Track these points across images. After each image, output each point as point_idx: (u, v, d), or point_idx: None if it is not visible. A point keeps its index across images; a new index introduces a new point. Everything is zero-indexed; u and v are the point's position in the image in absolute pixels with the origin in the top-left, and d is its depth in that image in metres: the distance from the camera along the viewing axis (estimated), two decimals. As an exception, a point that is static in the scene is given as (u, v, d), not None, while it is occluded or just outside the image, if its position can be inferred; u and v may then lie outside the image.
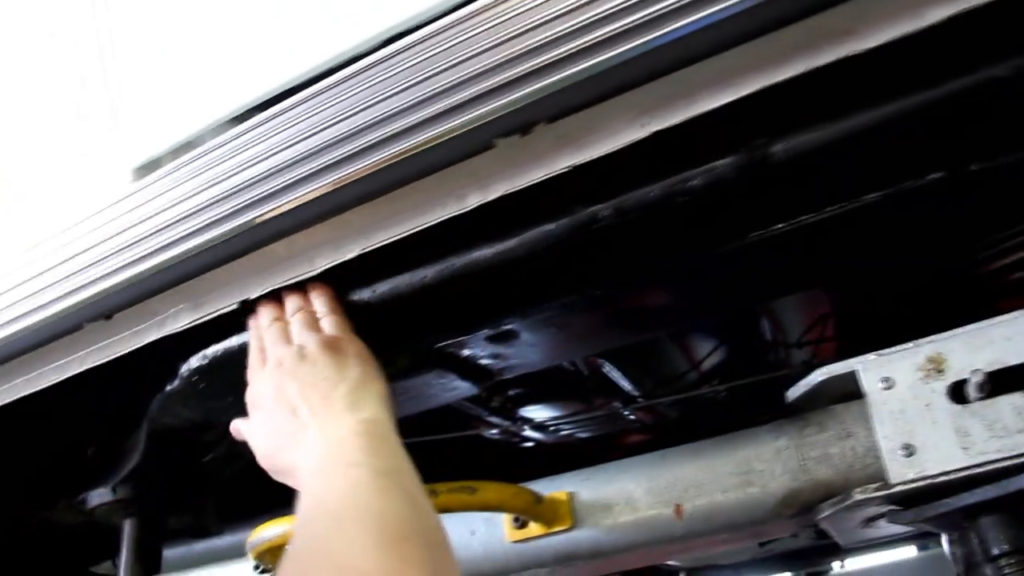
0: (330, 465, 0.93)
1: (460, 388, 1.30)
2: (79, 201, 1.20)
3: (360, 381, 1.05)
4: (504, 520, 1.22)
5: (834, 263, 1.14)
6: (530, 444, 1.84)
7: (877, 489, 1.02)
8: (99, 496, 1.50)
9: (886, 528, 1.17)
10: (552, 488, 1.20)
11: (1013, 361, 1.00)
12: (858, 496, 1.03)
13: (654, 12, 0.89)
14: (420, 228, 1.07)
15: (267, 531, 1.17)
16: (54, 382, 1.31)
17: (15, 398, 1.33)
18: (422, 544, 0.81)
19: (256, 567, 1.32)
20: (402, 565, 0.76)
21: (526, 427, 1.69)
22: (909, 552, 3.14)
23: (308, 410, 1.02)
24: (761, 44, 0.91)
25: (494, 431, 1.73)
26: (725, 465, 1.13)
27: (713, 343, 1.55)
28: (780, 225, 1.04)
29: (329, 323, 1.13)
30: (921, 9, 0.87)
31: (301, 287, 1.17)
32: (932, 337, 1.04)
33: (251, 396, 1.13)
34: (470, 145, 0.99)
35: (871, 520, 1.11)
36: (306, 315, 1.15)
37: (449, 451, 1.82)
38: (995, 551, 1.02)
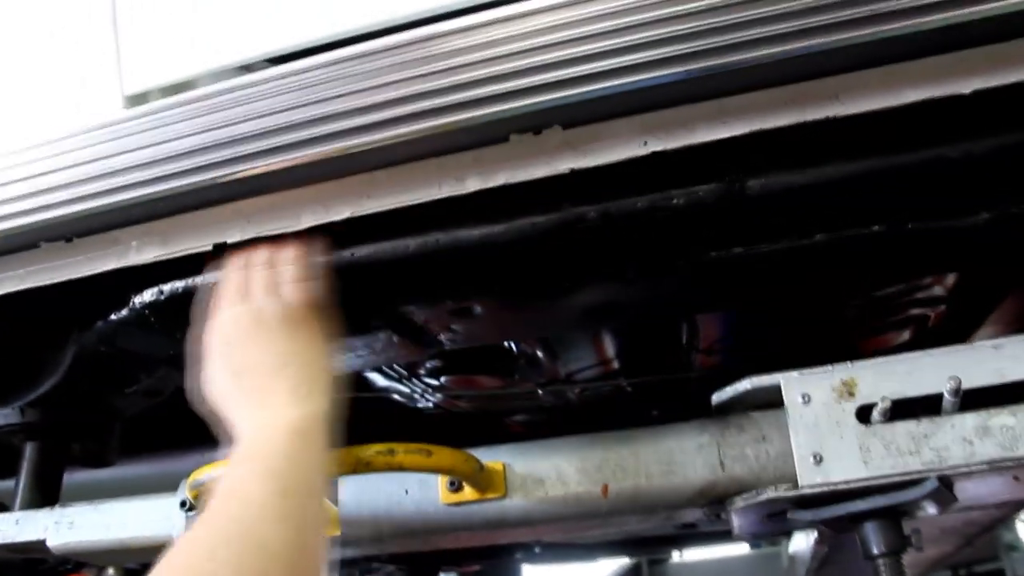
0: (248, 463, 0.96)
1: (403, 353, 1.37)
2: (66, 119, 1.18)
3: (309, 365, 1.09)
4: (439, 483, 1.30)
5: (774, 287, 1.29)
6: (429, 412, 1.91)
7: (787, 489, 1.17)
8: (3, 416, 1.47)
9: (772, 524, 1.34)
10: (487, 458, 1.29)
11: (911, 393, 1.17)
12: (770, 494, 1.18)
13: (675, 52, 0.99)
14: (415, 203, 1.13)
15: (212, 472, 1.20)
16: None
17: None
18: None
19: (183, 504, 1.33)
20: None
21: (437, 395, 1.76)
22: (743, 549, 3.43)
23: (251, 383, 1.06)
24: (760, 95, 1.04)
25: (398, 396, 1.80)
26: (651, 453, 1.26)
27: (627, 340, 1.68)
28: (738, 249, 1.17)
29: (295, 289, 1.14)
30: (900, 89, 1.02)
31: (279, 243, 1.19)
32: (848, 364, 1.20)
33: (208, 334, 1.15)
34: (487, 135, 1.06)
35: (771, 516, 1.26)
36: (273, 274, 1.16)
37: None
38: (875, 551, 1.19)
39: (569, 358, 1.71)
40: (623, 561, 3.47)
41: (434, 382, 1.74)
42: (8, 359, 1.49)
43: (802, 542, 1.89)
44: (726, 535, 3.39)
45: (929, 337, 1.70)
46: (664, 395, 1.81)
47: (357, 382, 1.70)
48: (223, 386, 1.09)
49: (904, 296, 1.56)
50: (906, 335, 1.74)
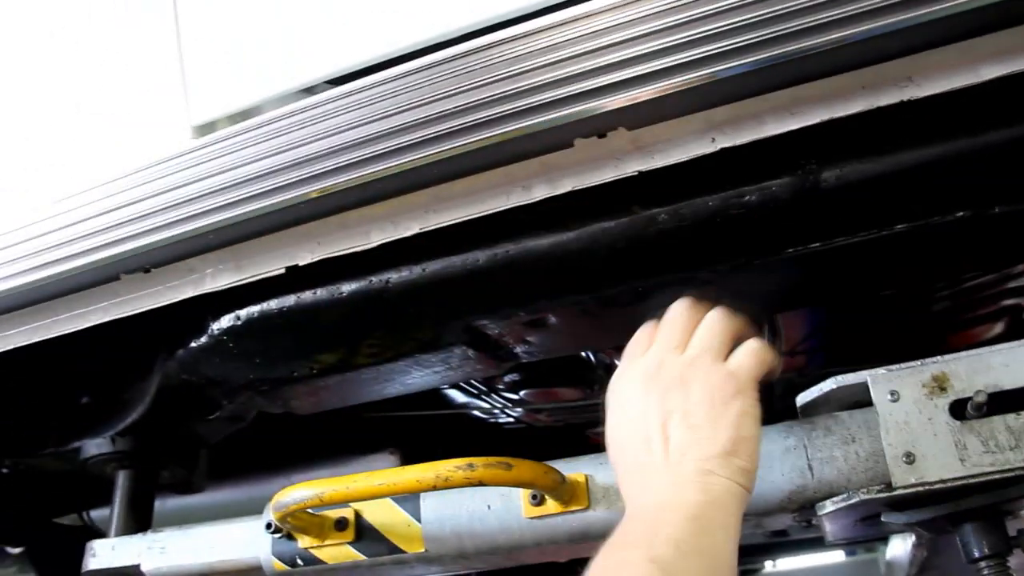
0: (632, 549, 0.86)
1: (479, 368, 1.36)
2: (137, 152, 1.21)
3: (732, 446, 0.95)
4: (520, 497, 1.28)
5: (853, 281, 1.25)
6: (510, 427, 1.90)
7: (880, 491, 1.12)
8: (96, 446, 1.51)
9: (865, 529, 1.29)
10: (568, 470, 1.27)
11: (1008, 385, 1.11)
12: (863, 496, 1.13)
13: (736, 43, 0.97)
14: (484, 214, 1.13)
15: (295, 493, 1.20)
16: (80, 328, 1.31)
17: (41, 339, 1.32)
18: None
19: (268, 526, 1.34)
20: None
21: (517, 410, 1.76)
22: (838, 556, 3.35)
23: (662, 452, 0.95)
24: (830, 82, 1.01)
25: (478, 412, 1.80)
26: (737, 459, 1.22)
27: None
28: (816, 244, 1.14)
29: (743, 360, 1.03)
30: (977, 66, 0.98)
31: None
32: (937, 358, 1.15)
33: (617, 386, 1.07)
34: (551, 142, 1.05)
35: (864, 520, 1.22)
36: (724, 338, 1.05)
37: (420, 427, 1.88)
38: (977, 554, 1.14)
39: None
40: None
41: (513, 396, 1.73)
42: (99, 390, 1.54)
43: (900, 547, 1.83)
44: (819, 542, 3.31)
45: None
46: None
47: (437, 399, 1.71)
48: (631, 446, 0.99)
49: (995, 286, 1.50)
50: (999, 327, 1.67)
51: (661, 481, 0.93)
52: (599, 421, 1.98)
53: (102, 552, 1.47)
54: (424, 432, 1.78)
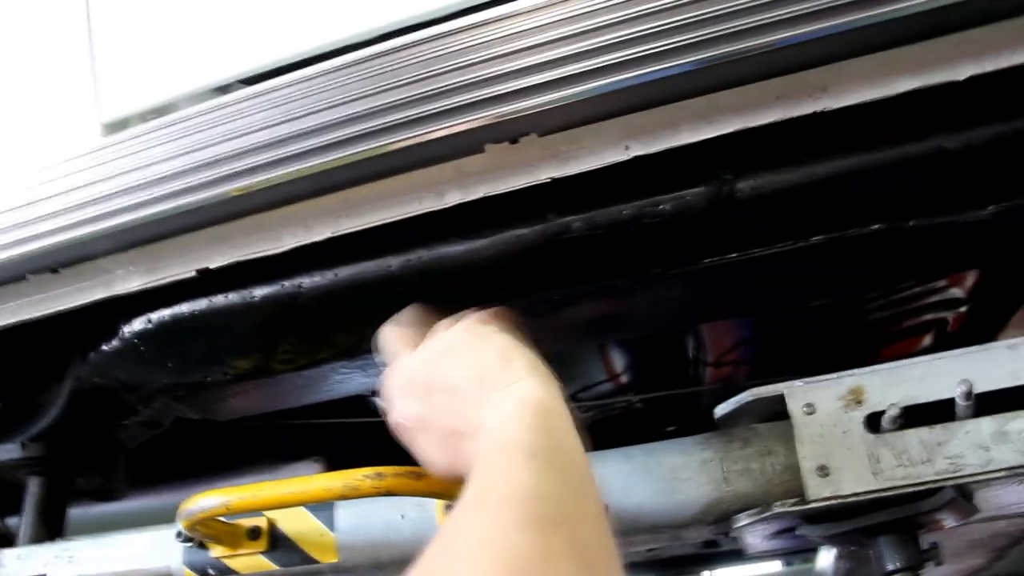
0: (499, 455, 0.81)
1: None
2: (43, 149, 1.18)
3: (528, 353, 0.97)
4: (435, 507, 1.26)
5: (770, 294, 1.24)
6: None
7: (795, 504, 1.12)
8: (6, 452, 1.46)
9: (784, 541, 1.29)
10: (484, 480, 1.25)
11: (923, 399, 1.11)
12: (777, 509, 1.12)
13: (651, 49, 0.96)
14: (396, 219, 1.11)
15: (204, 501, 1.17)
16: (-15, 330, 1.28)
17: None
18: (571, 530, 0.71)
19: (178, 534, 1.31)
20: (547, 551, 0.67)
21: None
22: (774, 567, 3.34)
23: (478, 383, 0.92)
24: (745, 91, 1.00)
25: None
26: (653, 470, 1.21)
27: (634, 356, 1.64)
28: (732, 255, 1.13)
29: (475, 315, 1.05)
30: (892, 78, 0.98)
31: None
32: (853, 371, 1.14)
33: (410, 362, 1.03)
34: (462, 147, 1.03)
35: (781, 532, 1.21)
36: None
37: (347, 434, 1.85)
38: (890, 567, 1.13)
39: (573, 375, 1.67)
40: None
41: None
42: (8, 394, 1.49)
43: (827, 558, 1.82)
44: (782, 553, 3.33)
45: (951, 342, 1.64)
46: (675, 411, 1.76)
47: (363, 406, 1.68)
48: (441, 403, 0.95)
49: (920, 299, 1.50)
50: (926, 341, 1.67)
51: (501, 397, 0.89)
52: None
53: (8, 561, 1.42)
54: (350, 439, 1.76)
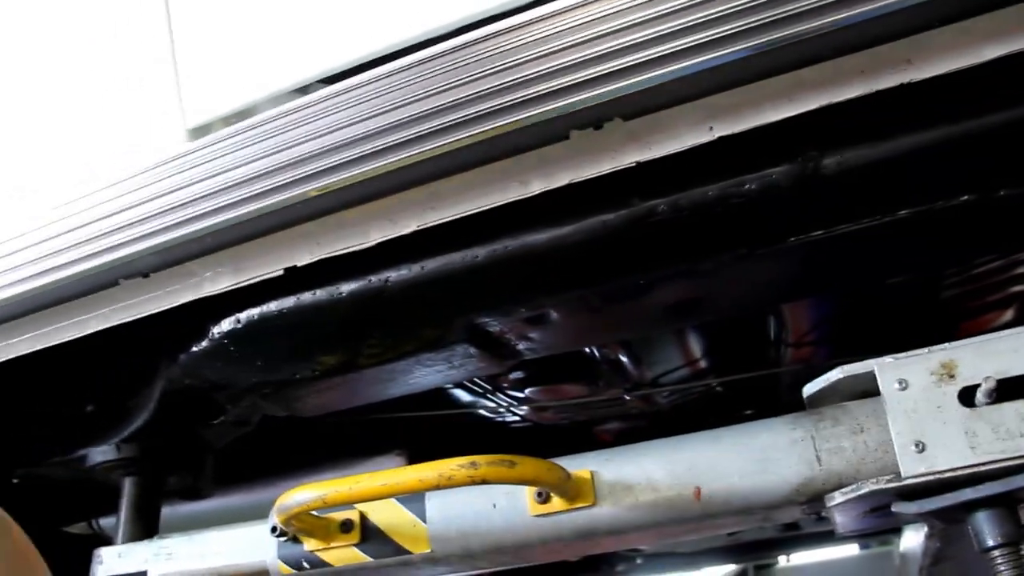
0: None
1: (482, 365, 1.35)
2: (130, 156, 1.21)
3: None
4: (526, 495, 1.27)
5: (856, 270, 1.23)
6: (516, 425, 1.89)
7: (889, 481, 1.11)
8: (102, 453, 1.50)
9: (876, 520, 1.27)
10: (573, 467, 1.26)
11: (1017, 371, 1.09)
12: (871, 487, 1.12)
13: (733, 29, 0.96)
14: (481, 209, 1.11)
15: (300, 495, 1.19)
16: (80, 335, 1.31)
17: (43, 347, 1.32)
18: None
19: (273, 529, 1.34)
20: None
21: (523, 408, 1.74)
22: (852, 550, 3.33)
23: None
24: (828, 66, 0.99)
25: (484, 411, 1.79)
26: (743, 452, 1.20)
27: (713, 339, 1.64)
28: (819, 232, 1.12)
29: None
30: (977, 47, 0.96)
31: None
32: (944, 345, 1.13)
33: None
34: (547, 134, 1.04)
35: (873, 511, 1.20)
36: None
37: (426, 428, 1.87)
38: (990, 543, 1.12)
39: (654, 361, 1.67)
40: (728, 568, 3.39)
41: (519, 394, 1.72)
42: (103, 397, 1.53)
43: (914, 539, 1.81)
44: (833, 535, 3.29)
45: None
46: (756, 393, 1.75)
47: (443, 399, 1.70)
48: None
49: (1004, 272, 1.48)
50: (1009, 315, 1.65)
51: None
52: (605, 418, 1.99)
53: (108, 559, 1.46)
54: (430, 433, 1.77)
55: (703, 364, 1.70)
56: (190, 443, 1.55)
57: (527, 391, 1.70)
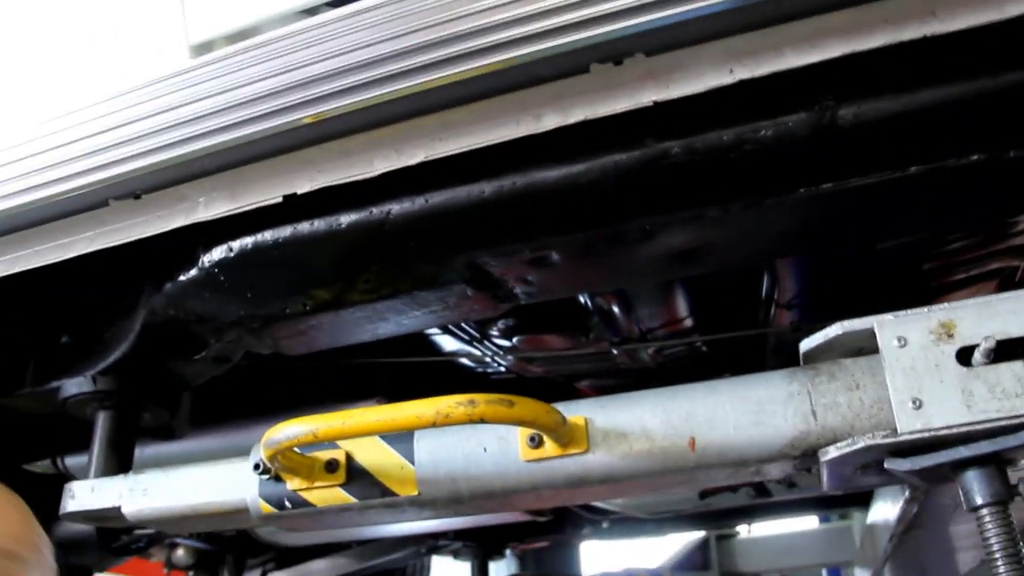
0: None
1: (477, 307, 1.33)
2: (131, 71, 1.16)
3: None
4: (518, 439, 1.26)
5: (862, 226, 1.23)
6: (499, 377, 1.88)
7: (886, 436, 1.11)
8: (76, 385, 1.46)
9: (863, 479, 1.28)
10: (567, 413, 1.24)
11: (1015, 333, 1.10)
12: (866, 441, 1.12)
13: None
14: (491, 143, 1.09)
15: (290, 429, 1.16)
16: (62, 259, 1.26)
17: (21, 270, 1.27)
18: None
19: (256, 466, 1.31)
20: None
21: (508, 358, 1.73)
22: (811, 523, 3.38)
23: None
24: (852, 13, 0.99)
25: (468, 360, 1.77)
26: (740, 403, 1.20)
27: (701, 297, 1.63)
28: (828, 185, 1.12)
29: None
30: (1001, 2, 0.96)
31: None
32: (943, 305, 1.14)
33: None
34: (567, 66, 1.02)
35: (864, 468, 1.21)
36: None
37: (407, 375, 1.84)
38: (979, 501, 1.13)
39: (644, 315, 1.66)
40: (691, 536, 3.43)
41: (506, 343, 1.70)
42: (81, 327, 1.49)
43: (883, 510, 1.83)
44: (797, 506, 3.36)
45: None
46: (742, 354, 1.76)
47: (425, 347, 1.67)
48: None
49: (988, 245, 1.49)
50: (990, 289, 1.67)
51: None
52: (590, 373, 1.98)
53: (81, 494, 1.42)
54: (411, 380, 1.75)
55: (690, 322, 1.69)
56: (168, 379, 1.50)
57: (515, 339, 1.69)
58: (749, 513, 2.96)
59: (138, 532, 2.07)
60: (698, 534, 3.38)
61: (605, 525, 2.84)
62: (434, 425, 1.11)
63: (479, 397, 1.12)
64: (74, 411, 1.49)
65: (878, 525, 1.90)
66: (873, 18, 0.99)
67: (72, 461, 1.88)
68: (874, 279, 1.63)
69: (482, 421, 1.11)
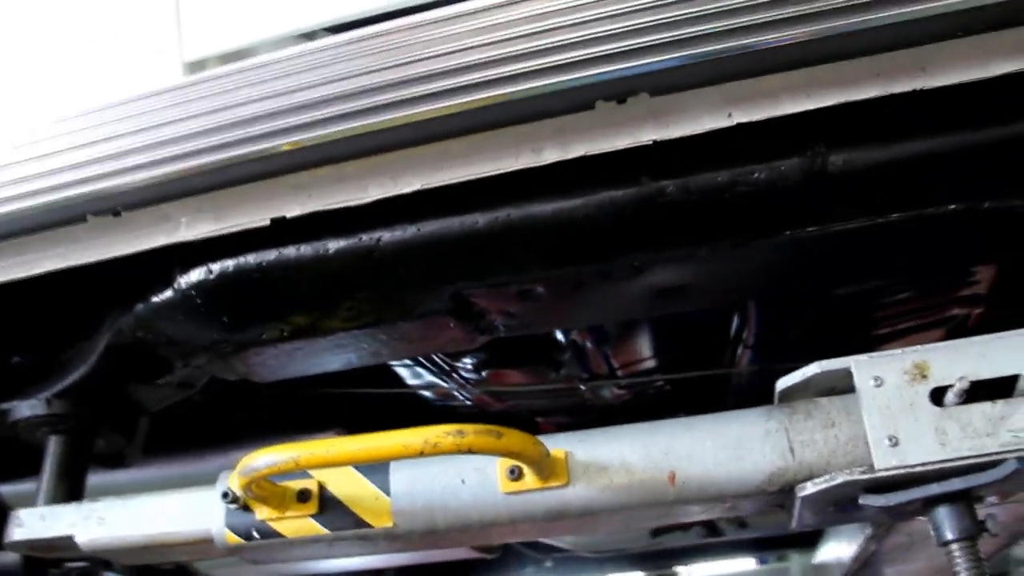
0: None
1: (456, 338, 1.32)
2: (123, 84, 1.13)
3: None
4: (497, 471, 1.25)
5: (839, 269, 1.27)
6: (462, 411, 1.86)
7: (863, 472, 1.14)
8: (30, 407, 1.39)
9: (836, 515, 1.31)
10: (548, 445, 1.24)
11: (985, 375, 1.15)
12: (844, 477, 1.15)
13: (760, 19, 0.98)
14: (489, 174, 1.10)
15: (268, 456, 1.13)
16: (31, 275, 1.22)
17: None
18: None
19: (225, 495, 1.26)
20: None
21: (474, 391, 1.72)
22: (748, 564, 3.42)
23: None
24: (846, 65, 1.03)
25: (430, 393, 1.75)
26: (719, 440, 1.22)
27: (667, 337, 1.65)
28: (813, 228, 1.15)
29: None
30: (987, 61, 1.02)
31: None
32: (917, 347, 1.18)
33: None
34: (572, 101, 1.04)
35: (837, 505, 1.23)
36: None
37: (367, 406, 1.81)
38: (949, 536, 1.17)
39: (615, 352, 1.67)
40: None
41: (474, 376, 1.69)
42: (38, 346, 1.43)
43: (836, 549, 1.87)
44: (745, 546, 3.40)
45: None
46: (705, 394, 1.78)
47: (386, 377, 1.65)
48: None
49: (949, 293, 1.55)
50: (938, 335, 1.73)
51: None
52: (555, 409, 1.98)
53: (29, 522, 1.35)
54: (370, 412, 1.73)
55: (655, 361, 1.71)
56: (126, 403, 1.45)
57: (483, 373, 1.68)
58: (696, 553, 2.99)
59: (68, 565, 1.97)
60: (639, 574, 3.41)
61: (548, 564, 2.82)
62: (421, 455, 1.10)
63: (467, 427, 1.11)
64: (25, 434, 1.42)
65: (828, 565, 1.94)
66: (865, 71, 1.03)
67: (8, 489, 1.79)
68: (828, 325, 1.68)
69: (470, 452, 1.11)
